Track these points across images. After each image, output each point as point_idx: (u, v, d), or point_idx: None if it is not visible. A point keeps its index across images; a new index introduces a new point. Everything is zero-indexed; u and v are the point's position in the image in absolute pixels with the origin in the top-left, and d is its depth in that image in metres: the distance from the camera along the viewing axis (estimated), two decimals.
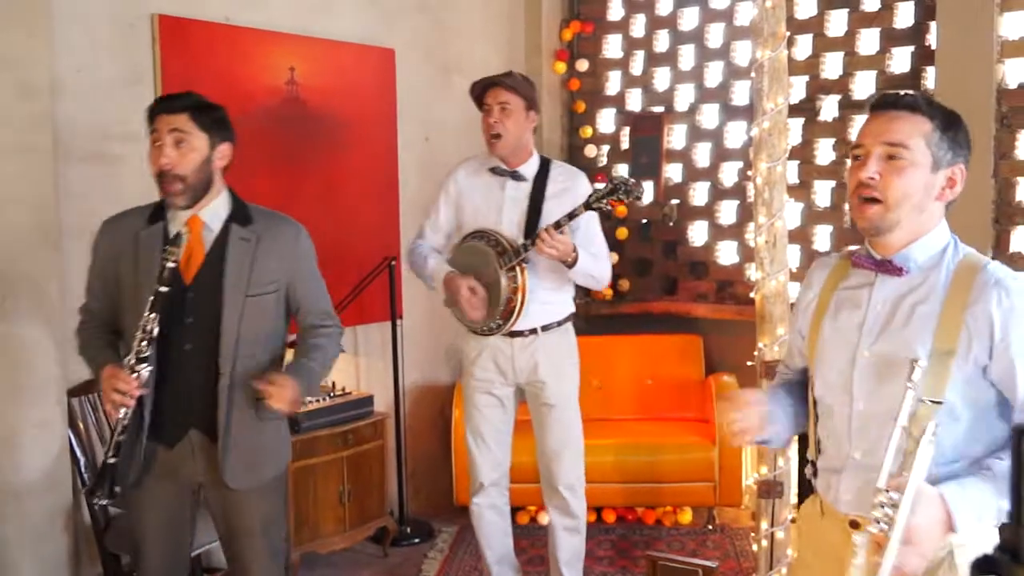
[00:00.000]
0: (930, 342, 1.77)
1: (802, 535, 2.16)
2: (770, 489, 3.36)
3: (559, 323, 3.54)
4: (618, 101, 5.55)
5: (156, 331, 2.45)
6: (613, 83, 5.57)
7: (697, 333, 5.18)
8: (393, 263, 4.54)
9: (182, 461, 2.61)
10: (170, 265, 2.45)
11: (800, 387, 2.13)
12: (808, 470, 2.06)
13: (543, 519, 4.64)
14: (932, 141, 1.82)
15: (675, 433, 4.77)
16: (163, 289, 2.45)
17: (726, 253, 5.25)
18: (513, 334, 3.48)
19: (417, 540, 4.60)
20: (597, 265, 3.45)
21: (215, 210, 2.62)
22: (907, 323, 1.82)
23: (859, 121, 5.00)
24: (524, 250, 3.34)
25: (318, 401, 4.12)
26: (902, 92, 1.91)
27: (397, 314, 4.63)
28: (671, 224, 5.35)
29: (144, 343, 2.44)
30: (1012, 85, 4.35)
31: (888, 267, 1.86)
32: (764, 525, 3.37)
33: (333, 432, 4.12)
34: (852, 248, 2.03)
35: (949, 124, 1.85)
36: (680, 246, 5.37)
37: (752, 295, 3.47)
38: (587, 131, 5.60)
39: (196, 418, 2.58)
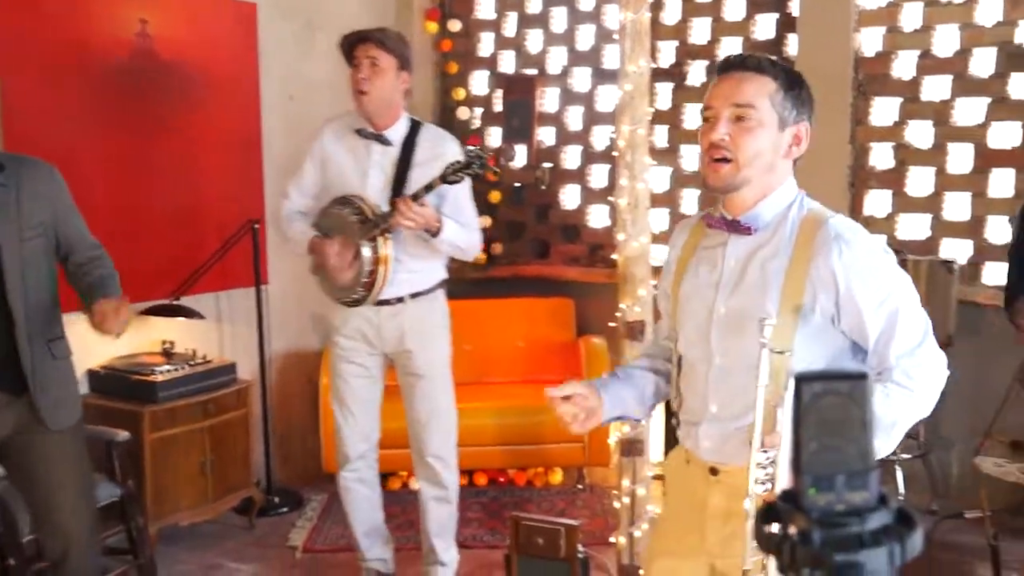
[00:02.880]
0: (778, 296, 1.84)
1: (669, 483, 2.22)
2: (631, 447, 3.41)
3: (428, 291, 3.46)
4: (491, 63, 5.50)
5: None
6: (486, 44, 5.52)
7: (569, 296, 5.21)
8: (256, 226, 4.41)
9: None
10: None
11: (665, 355, 2.17)
12: (674, 420, 2.12)
13: (415, 484, 4.61)
14: (777, 101, 1.87)
15: (544, 395, 4.79)
16: None
17: (597, 217, 5.29)
18: (380, 303, 3.39)
19: (285, 509, 4.52)
20: (465, 236, 3.37)
21: None
22: (758, 279, 1.88)
23: None
24: (384, 220, 3.24)
25: (177, 369, 3.98)
26: (746, 54, 1.95)
27: (262, 279, 4.50)
28: (543, 188, 5.35)
29: None
30: (868, 53, 4.48)
31: (738, 227, 1.93)
32: (626, 483, 3.42)
33: (193, 402, 4.00)
34: (709, 210, 2.08)
35: (792, 83, 1.90)
36: (552, 210, 5.38)
37: (614, 256, 3.49)
38: (460, 93, 5.54)
39: None
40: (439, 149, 3.37)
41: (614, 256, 3.48)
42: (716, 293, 1.94)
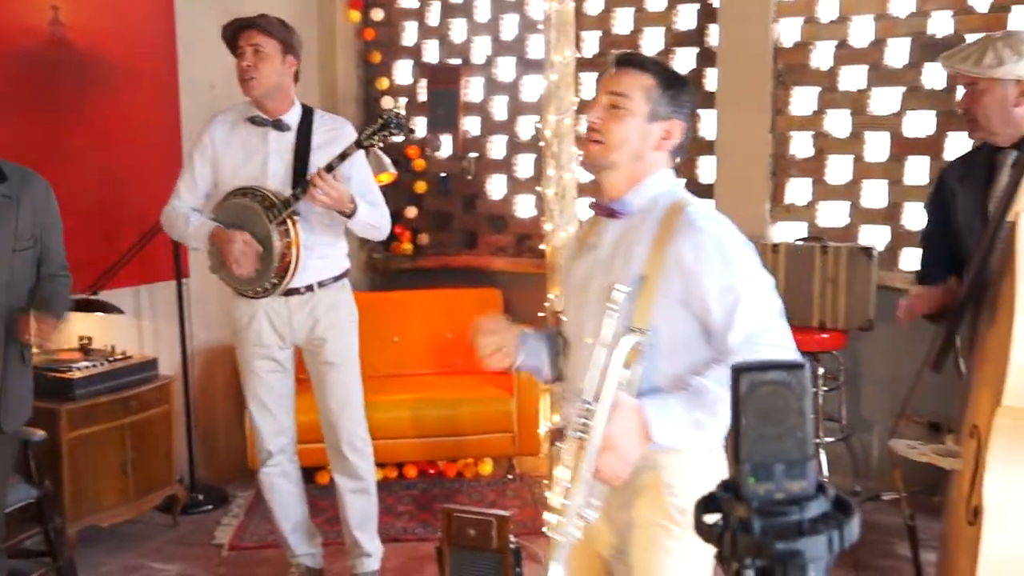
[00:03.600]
0: (637, 277, 1.96)
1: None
2: (562, 436, 3.41)
3: (335, 278, 3.42)
4: (415, 52, 5.46)
5: None
6: (409, 34, 5.47)
7: (497, 286, 5.21)
8: None
9: None
10: None
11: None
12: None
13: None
14: (652, 96, 2.01)
15: (474, 386, 4.79)
16: None
17: (524, 207, 5.29)
18: (289, 292, 3.33)
19: (210, 507, 4.43)
20: (376, 214, 3.34)
21: None
22: (622, 262, 2.01)
23: None
24: (294, 200, 3.18)
25: (95, 366, 3.88)
26: (633, 52, 2.16)
27: (182, 273, 4.40)
28: (470, 178, 5.33)
29: None
30: (787, 44, 4.55)
31: (611, 211, 2.06)
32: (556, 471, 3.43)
33: (113, 399, 3.89)
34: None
35: (671, 83, 2.04)
36: (479, 200, 5.37)
37: (542, 246, 3.50)
38: (383, 83, 5.48)
39: None
40: (336, 132, 3.34)
41: (542, 246, 3.48)
42: (591, 275, 2.06)
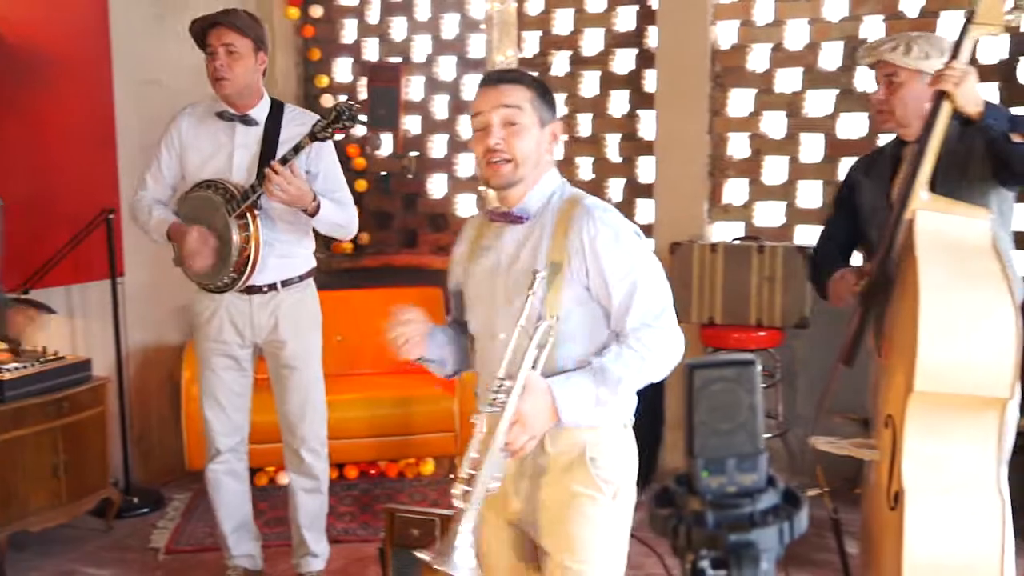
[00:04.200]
0: (544, 267, 2.10)
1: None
2: None
3: (300, 278, 3.39)
4: (354, 50, 5.42)
5: None
6: (349, 31, 5.43)
7: (438, 285, 5.16)
8: (111, 216, 4.22)
9: None
10: None
11: (465, 330, 2.35)
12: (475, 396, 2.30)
13: (282, 479, 4.53)
14: (535, 105, 2.15)
15: (416, 385, 4.78)
16: None
17: (465, 205, 5.29)
18: (251, 290, 3.29)
19: (146, 510, 4.36)
20: (343, 212, 3.30)
21: None
22: (529, 260, 2.14)
23: (588, 77, 5.14)
24: (252, 192, 3.14)
25: (25, 367, 3.78)
26: (505, 69, 2.36)
27: (117, 272, 4.32)
28: (410, 176, 5.31)
29: None
30: (724, 46, 4.62)
31: (511, 217, 2.18)
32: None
33: (44, 400, 3.80)
34: (491, 207, 2.31)
35: (544, 91, 2.19)
36: (420, 199, 5.36)
37: None
38: (323, 80, 5.44)
39: None
40: (305, 127, 3.26)
41: None
42: (496, 276, 2.18)
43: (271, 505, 4.34)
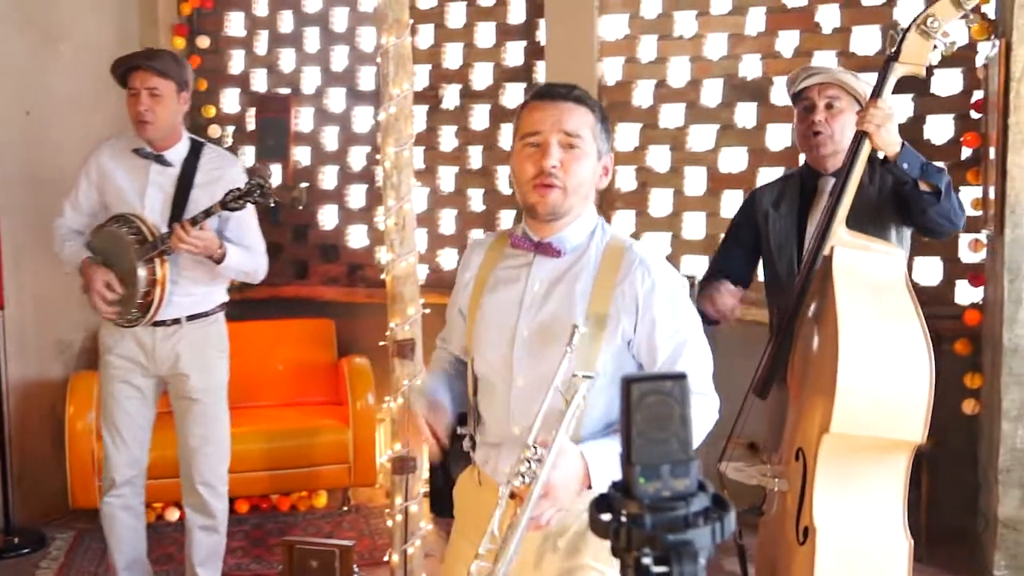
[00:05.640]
0: (584, 316, 1.89)
1: (458, 506, 2.19)
2: (404, 465, 3.44)
3: (206, 313, 3.39)
4: (242, 81, 5.39)
5: None
6: (237, 62, 5.40)
7: (329, 316, 5.18)
8: None
9: None
10: None
11: (461, 364, 2.18)
12: (467, 443, 2.09)
13: (171, 515, 4.43)
14: (596, 133, 1.95)
15: (308, 417, 4.75)
16: None
17: (356, 236, 5.30)
18: (156, 323, 3.29)
19: (27, 550, 4.19)
20: (250, 260, 3.36)
21: None
22: (564, 301, 1.94)
23: (478, 110, 5.20)
24: (161, 242, 3.15)
25: None
26: (571, 84, 2.01)
27: None
28: (301, 208, 5.28)
29: None
30: (610, 82, 4.78)
31: (547, 249, 1.97)
32: (399, 500, 3.45)
33: None
34: (506, 229, 2.15)
35: (604, 117, 2.00)
36: (311, 230, 5.34)
37: (383, 277, 3.53)
38: (210, 110, 5.38)
39: None
40: (222, 172, 3.34)
41: (383, 276, 3.51)
42: (519, 313, 1.96)
43: (159, 542, 4.23)
